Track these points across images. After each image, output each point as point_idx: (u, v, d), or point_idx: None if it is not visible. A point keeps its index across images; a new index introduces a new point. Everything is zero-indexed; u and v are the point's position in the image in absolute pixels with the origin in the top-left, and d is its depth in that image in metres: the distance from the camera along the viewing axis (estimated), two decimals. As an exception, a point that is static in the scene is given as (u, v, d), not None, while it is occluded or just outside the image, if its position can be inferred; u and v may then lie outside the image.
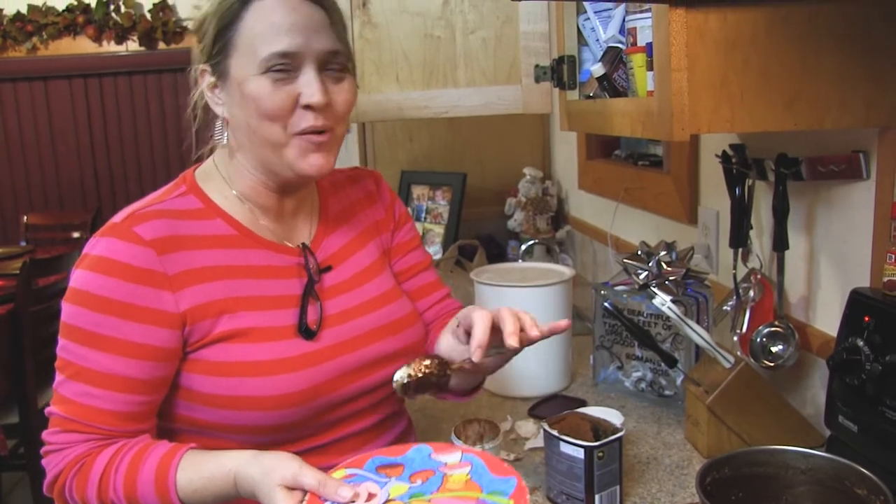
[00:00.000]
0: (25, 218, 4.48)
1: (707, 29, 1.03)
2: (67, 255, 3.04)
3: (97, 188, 5.15)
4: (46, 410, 1.07)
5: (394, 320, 1.22)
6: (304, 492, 0.92)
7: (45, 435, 1.06)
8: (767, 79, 1.06)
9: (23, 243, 4.31)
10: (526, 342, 1.06)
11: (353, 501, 0.91)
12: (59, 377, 1.05)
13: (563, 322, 1.09)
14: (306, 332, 1.11)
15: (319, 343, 1.12)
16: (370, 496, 0.92)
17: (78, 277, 1.04)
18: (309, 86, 1.05)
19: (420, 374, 1.06)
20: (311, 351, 1.11)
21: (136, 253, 1.03)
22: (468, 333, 1.07)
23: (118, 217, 1.08)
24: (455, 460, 1.01)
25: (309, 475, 0.93)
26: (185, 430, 1.11)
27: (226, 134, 1.16)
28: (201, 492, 1.00)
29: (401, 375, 1.06)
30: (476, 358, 1.03)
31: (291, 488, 0.93)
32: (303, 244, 1.19)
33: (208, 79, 1.11)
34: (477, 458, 1.01)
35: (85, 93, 5.09)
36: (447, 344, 1.17)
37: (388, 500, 0.93)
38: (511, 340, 1.02)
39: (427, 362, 1.07)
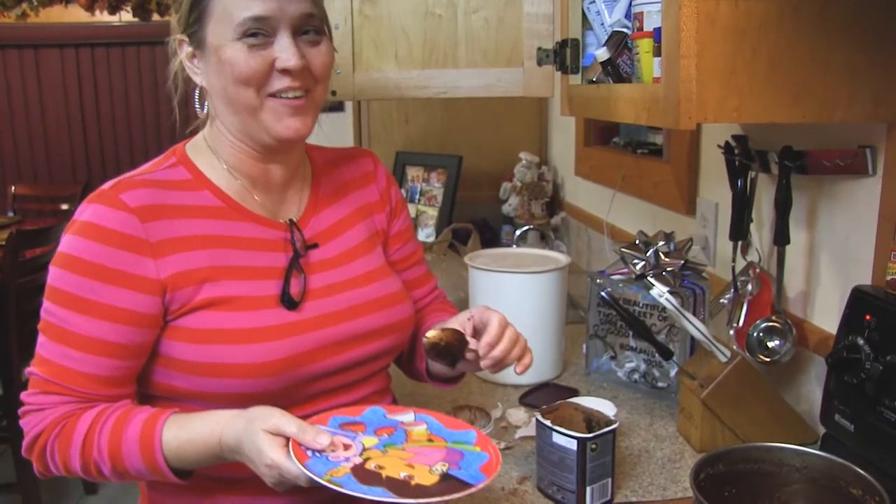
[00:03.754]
0: (13, 189, 4.43)
1: (718, 15, 1.01)
2: (55, 226, 3.00)
3: (87, 160, 5.10)
4: (27, 371, 1.08)
5: (380, 297, 1.22)
6: (287, 439, 0.95)
7: (24, 395, 1.08)
8: (776, 69, 1.04)
9: (10, 214, 4.27)
10: (496, 364, 1.14)
11: (333, 450, 0.96)
12: (40, 338, 1.06)
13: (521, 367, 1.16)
14: (288, 303, 1.12)
15: (301, 314, 1.13)
16: (346, 446, 0.97)
17: (65, 242, 1.06)
18: (284, 50, 1.06)
19: (448, 341, 1.12)
20: (292, 321, 1.11)
21: (120, 219, 1.05)
22: (476, 329, 1.15)
23: (107, 185, 1.09)
24: (410, 419, 1.08)
25: (290, 423, 0.96)
26: (163, 398, 1.11)
27: (206, 104, 1.17)
28: (185, 448, 1.02)
29: (434, 334, 1.12)
30: (483, 353, 1.11)
31: (275, 435, 0.96)
32: (290, 220, 1.19)
33: (186, 49, 1.13)
34: (429, 417, 1.09)
35: (76, 63, 5.02)
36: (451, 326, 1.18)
37: (364, 450, 0.98)
38: (486, 361, 1.12)
39: (457, 334, 1.13)
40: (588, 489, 1.12)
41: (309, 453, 0.95)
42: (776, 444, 1.05)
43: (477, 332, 1.15)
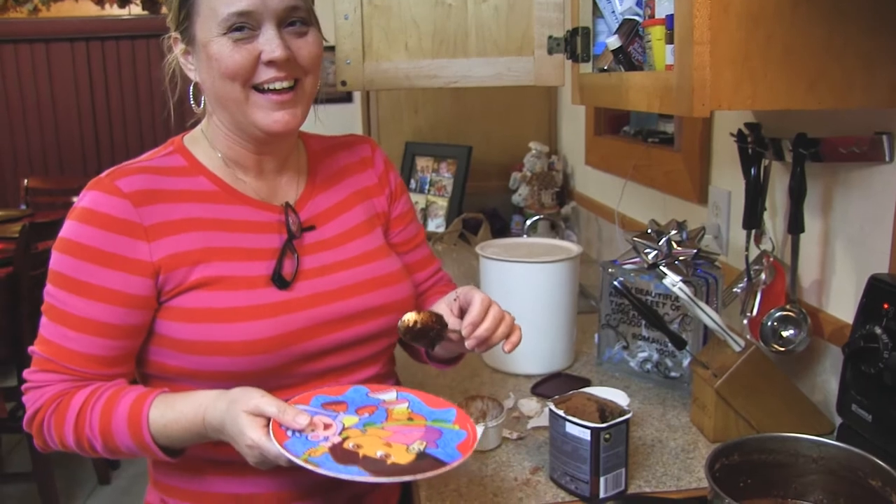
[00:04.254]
0: (25, 181, 4.44)
1: (731, 2, 1.00)
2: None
3: (97, 153, 5.11)
4: (29, 349, 1.12)
5: (378, 276, 1.23)
6: (268, 420, 0.97)
7: (25, 373, 1.12)
8: (791, 56, 1.02)
9: (22, 207, 4.28)
10: (482, 344, 1.14)
11: (312, 430, 0.97)
12: (42, 320, 1.11)
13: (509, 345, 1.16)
14: (280, 282, 1.14)
15: (293, 293, 1.15)
16: (326, 426, 0.99)
17: (65, 228, 1.10)
18: (269, 42, 1.08)
19: (424, 323, 1.12)
20: (283, 300, 1.13)
21: (114, 204, 1.08)
22: (462, 309, 1.15)
23: (104, 173, 1.13)
24: (392, 397, 1.10)
25: (270, 404, 0.98)
26: (157, 377, 1.15)
27: (202, 98, 1.19)
28: (171, 426, 1.05)
29: (408, 318, 1.12)
30: (466, 333, 1.11)
31: (256, 416, 0.98)
32: (286, 203, 1.20)
33: (180, 46, 1.16)
34: (411, 395, 1.11)
35: (87, 56, 5.03)
36: (437, 309, 1.19)
37: (343, 429, 1.00)
38: (470, 341, 1.12)
39: (433, 316, 1.13)
40: (602, 479, 1.12)
41: (289, 433, 0.97)
42: (792, 434, 1.04)
43: (463, 313, 1.15)
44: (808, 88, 1.04)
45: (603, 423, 1.11)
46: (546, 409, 1.24)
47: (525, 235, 2.45)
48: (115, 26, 5.00)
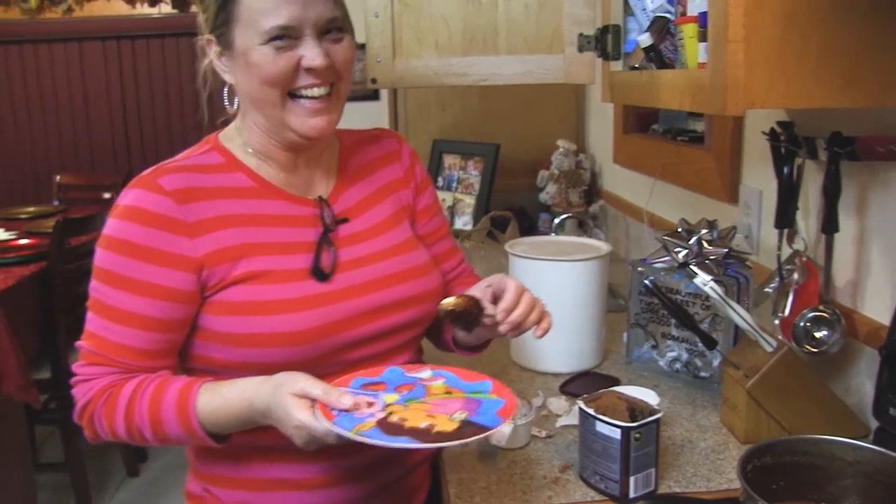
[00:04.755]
0: (58, 178, 4.50)
1: (766, -1, 0.99)
2: (99, 214, 3.04)
3: (128, 150, 5.16)
4: (76, 344, 1.16)
5: (408, 268, 1.26)
6: (313, 401, 1.01)
7: (74, 367, 1.15)
8: (826, 54, 1.01)
9: (55, 202, 4.33)
10: (515, 329, 1.17)
11: (357, 409, 1.01)
12: (88, 314, 1.14)
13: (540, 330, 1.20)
14: (319, 275, 1.17)
15: (332, 285, 1.18)
16: (369, 404, 1.03)
17: (108, 225, 1.13)
18: (310, 50, 1.11)
19: (464, 306, 1.16)
20: (323, 292, 1.16)
21: (157, 201, 1.11)
22: (495, 296, 1.18)
23: (146, 171, 1.16)
24: (427, 375, 1.15)
25: (315, 386, 1.02)
26: (201, 370, 1.17)
27: (235, 99, 1.22)
28: (218, 413, 1.08)
29: (448, 301, 1.17)
30: (500, 318, 1.15)
31: (301, 398, 1.02)
32: (319, 197, 1.24)
33: (214, 48, 1.18)
34: (446, 371, 1.16)
35: (118, 55, 5.08)
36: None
37: (386, 406, 1.04)
38: (504, 326, 1.16)
39: (472, 300, 1.17)
40: (632, 479, 1.12)
41: (335, 413, 1.00)
42: (827, 436, 1.03)
43: (496, 300, 1.19)
44: (843, 87, 1.02)
45: (633, 422, 1.11)
46: (575, 408, 1.24)
47: (553, 234, 2.44)
48: (145, 25, 5.04)
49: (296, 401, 1.01)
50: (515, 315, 1.16)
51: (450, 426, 0.99)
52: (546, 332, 1.19)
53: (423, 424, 0.99)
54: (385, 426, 0.99)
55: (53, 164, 5.08)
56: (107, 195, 4.27)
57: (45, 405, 2.94)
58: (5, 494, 2.62)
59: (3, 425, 2.58)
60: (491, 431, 0.98)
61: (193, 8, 4.84)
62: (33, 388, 2.53)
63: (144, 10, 5.02)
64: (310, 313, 1.14)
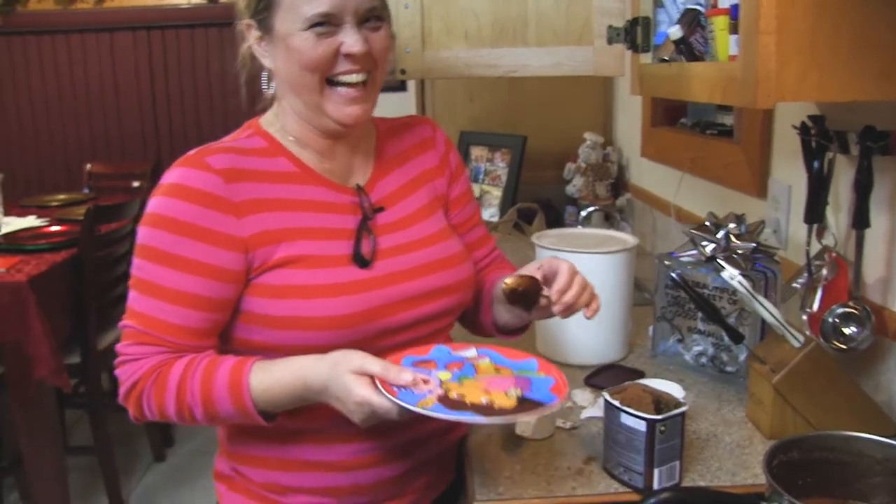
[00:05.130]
0: (88, 166, 4.55)
1: (799, -10, 0.98)
2: (129, 203, 3.08)
3: (157, 140, 5.20)
4: (120, 324, 1.15)
5: (444, 256, 1.28)
6: (372, 378, 1.03)
7: (119, 347, 1.15)
8: (860, 46, 1.00)
9: (85, 190, 4.38)
10: (567, 310, 1.20)
11: (415, 385, 1.03)
12: (132, 294, 1.14)
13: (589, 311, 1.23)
14: (360, 261, 1.19)
15: (372, 272, 1.19)
16: (425, 381, 1.05)
17: (153, 203, 1.13)
18: (350, 37, 1.13)
19: (525, 287, 1.19)
20: (365, 278, 1.18)
21: (205, 179, 1.12)
22: (546, 278, 1.21)
23: (191, 151, 1.17)
24: (473, 354, 1.17)
25: (374, 363, 1.04)
26: (241, 352, 1.17)
27: (272, 84, 1.24)
28: (271, 391, 1.09)
29: (511, 281, 1.20)
30: (555, 299, 1.18)
31: (360, 375, 1.03)
32: (357, 185, 1.25)
33: (254, 33, 1.19)
34: (491, 350, 1.18)
35: (148, 45, 5.12)
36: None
37: (441, 383, 1.06)
38: (557, 306, 1.19)
39: (532, 280, 1.20)
40: (656, 471, 1.12)
41: (395, 389, 1.01)
42: (855, 433, 1.02)
43: (546, 281, 1.21)
44: (877, 79, 1.01)
45: (658, 414, 1.11)
46: (600, 400, 1.24)
47: (579, 226, 2.44)
48: (175, 15, 5.07)
49: (356, 378, 1.02)
50: (569, 296, 1.18)
51: (507, 402, 1.02)
52: (595, 312, 1.22)
53: (483, 400, 1.01)
54: (446, 402, 1.01)
55: (84, 152, 5.13)
56: (136, 183, 4.32)
57: (74, 389, 2.99)
58: (38, 476, 2.67)
59: (35, 409, 2.62)
60: (551, 407, 1.01)
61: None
62: (64, 373, 2.58)
63: (174, 0, 5.06)
64: (352, 298, 1.15)
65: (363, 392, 1.01)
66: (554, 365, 1.13)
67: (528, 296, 1.20)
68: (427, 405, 1.00)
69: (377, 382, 1.02)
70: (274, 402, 1.10)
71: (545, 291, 1.20)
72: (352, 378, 1.02)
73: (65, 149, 5.17)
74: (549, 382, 1.08)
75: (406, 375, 1.03)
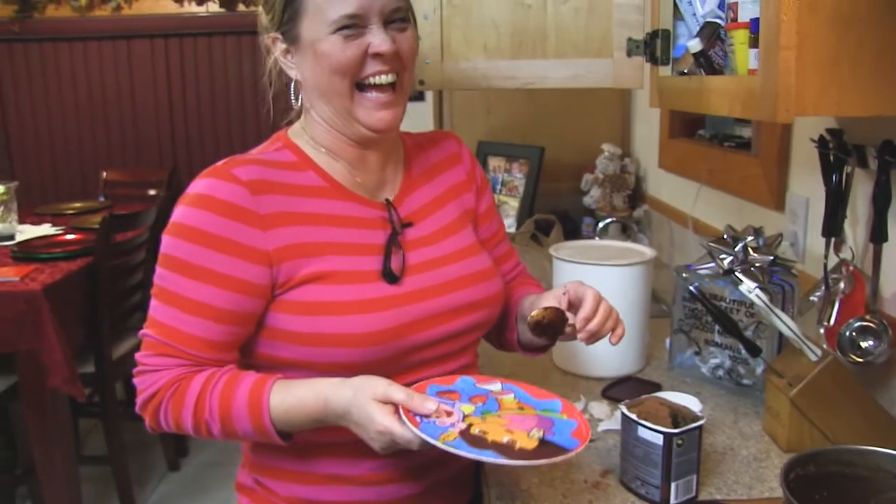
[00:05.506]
0: (104, 174, 4.58)
1: (821, 5, 0.98)
2: (144, 212, 3.08)
3: (173, 148, 5.23)
4: (140, 333, 1.14)
5: (474, 272, 1.27)
6: (396, 406, 1.01)
7: (139, 356, 1.14)
8: (882, 61, 1.00)
9: (101, 199, 4.41)
10: (592, 337, 1.20)
11: (438, 416, 1.02)
12: (153, 303, 1.13)
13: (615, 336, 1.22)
14: (390, 277, 1.17)
15: (402, 288, 1.18)
16: (448, 413, 1.04)
17: (178, 213, 1.12)
18: (377, 37, 1.12)
19: (551, 319, 1.19)
20: (394, 294, 1.17)
21: (231, 190, 1.11)
22: (571, 303, 1.21)
23: (219, 162, 1.16)
24: (497, 388, 1.15)
25: (398, 390, 1.02)
26: (265, 368, 1.16)
27: (300, 96, 1.23)
28: (291, 412, 1.08)
29: (537, 314, 1.19)
30: (579, 327, 1.18)
31: (383, 403, 1.02)
32: (387, 200, 1.24)
33: (280, 45, 1.19)
34: (515, 387, 1.16)
35: (165, 53, 5.15)
36: (547, 303, 1.23)
37: (464, 417, 1.04)
38: (582, 334, 1.19)
39: (557, 312, 1.19)
40: (673, 485, 1.11)
41: (418, 419, 1.00)
42: (872, 447, 1.02)
43: (571, 306, 1.21)
44: (897, 94, 1.01)
45: (675, 428, 1.11)
46: (617, 413, 1.24)
47: (596, 238, 2.44)
48: (193, 23, 5.11)
49: (379, 406, 1.01)
50: (594, 324, 1.18)
51: (529, 443, 1.00)
52: (620, 338, 1.21)
53: (504, 439, 1.00)
54: (468, 437, 1.00)
55: (100, 160, 5.17)
56: (152, 192, 4.35)
57: (88, 398, 2.99)
58: (51, 486, 2.66)
59: (49, 418, 2.62)
60: (571, 453, 0.99)
61: (241, 7, 4.92)
62: (78, 382, 2.57)
63: (192, 8, 5.09)
64: (382, 315, 1.14)
65: (386, 421, 1.00)
66: (577, 409, 1.11)
67: (554, 327, 1.20)
68: (449, 439, 0.99)
69: (400, 410, 1.01)
70: (293, 422, 1.09)
71: (570, 320, 1.19)
72: (375, 407, 1.01)
73: (81, 156, 5.21)
74: (572, 426, 1.06)
75: (430, 405, 1.02)
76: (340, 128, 1.20)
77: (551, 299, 1.22)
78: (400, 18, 1.15)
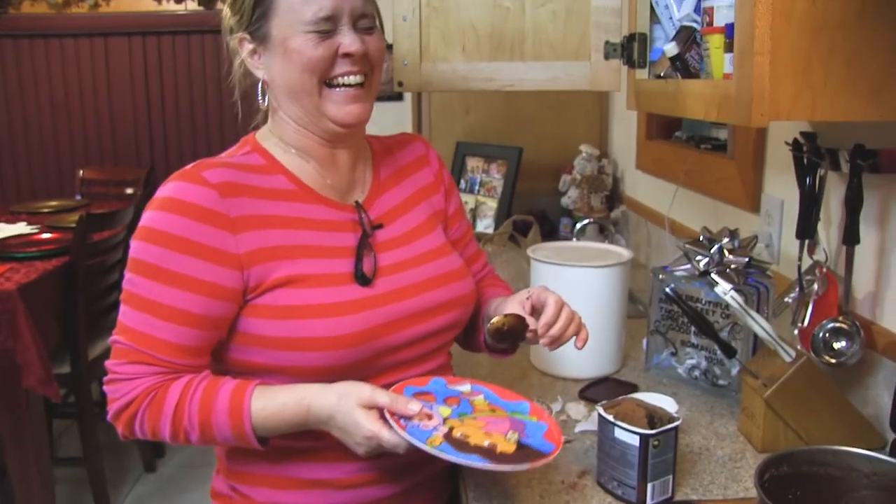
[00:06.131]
0: (81, 172, 4.54)
1: (794, 11, 1.00)
2: (122, 210, 3.06)
3: (151, 146, 5.20)
4: (110, 339, 1.12)
5: (445, 272, 1.28)
6: (380, 410, 1.03)
7: (110, 364, 1.12)
8: (854, 67, 1.02)
9: (78, 197, 4.37)
10: (554, 342, 1.22)
11: (421, 418, 1.04)
12: (123, 308, 1.11)
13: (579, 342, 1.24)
14: (362, 279, 1.18)
15: (375, 290, 1.19)
16: (428, 416, 1.05)
17: (147, 217, 1.11)
18: (347, 37, 1.14)
19: (511, 326, 1.20)
20: (367, 296, 1.17)
21: (201, 193, 1.10)
22: (534, 307, 1.22)
23: (188, 165, 1.15)
24: (467, 389, 1.17)
25: (382, 394, 1.04)
26: (238, 373, 1.16)
27: (267, 97, 1.23)
28: (273, 419, 1.09)
29: (497, 321, 1.21)
30: (541, 333, 1.19)
31: (368, 408, 1.03)
32: (356, 202, 1.25)
33: (247, 46, 1.19)
34: (484, 388, 1.18)
35: (143, 51, 5.12)
36: (510, 308, 1.25)
37: (444, 420, 1.06)
38: (544, 339, 1.21)
39: (517, 319, 1.20)
40: (649, 485, 1.12)
41: (403, 423, 1.01)
42: (844, 447, 1.04)
43: (535, 311, 1.23)
44: (870, 100, 1.03)
45: (652, 429, 1.12)
46: (594, 414, 1.25)
47: (574, 239, 2.45)
48: (171, 21, 5.08)
49: (365, 412, 1.03)
50: (555, 330, 1.20)
51: (507, 447, 1.02)
52: (585, 342, 1.23)
53: (485, 443, 1.02)
54: (452, 441, 1.01)
55: (77, 158, 5.13)
56: (129, 190, 4.31)
57: (63, 399, 2.95)
58: (24, 488, 2.64)
59: (23, 419, 2.58)
60: (549, 457, 1.02)
61: (220, 5, 4.89)
62: (54, 383, 2.54)
63: (170, 6, 5.06)
64: (355, 317, 1.14)
65: (374, 427, 1.01)
66: (545, 410, 1.13)
67: (514, 333, 1.21)
68: (435, 443, 1.00)
69: (386, 414, 1.02)
70: (273, 428, 1.09)
71: (532, 325, 1.20)
72: (361, 413, 1.03)
73: (57, 154, 5.16)
74: (543, 428, 1.08)
75: (414, 406, 1.03)
76: (309, 125, 1.20)
77: (514, 304, 1.24)
78: (368, 22, 1.18)
